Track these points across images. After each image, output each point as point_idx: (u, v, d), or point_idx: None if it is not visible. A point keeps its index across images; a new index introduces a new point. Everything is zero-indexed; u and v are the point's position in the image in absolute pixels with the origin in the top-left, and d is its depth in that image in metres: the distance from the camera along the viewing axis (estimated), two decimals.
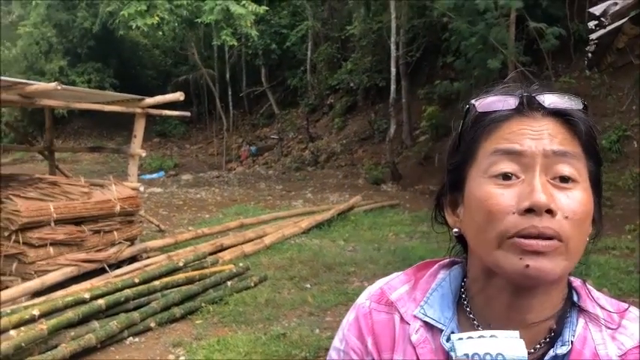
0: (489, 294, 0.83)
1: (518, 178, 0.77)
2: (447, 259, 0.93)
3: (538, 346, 0.82)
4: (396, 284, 0.92)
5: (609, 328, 0.82)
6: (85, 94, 7.95)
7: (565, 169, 0.77)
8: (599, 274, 5.94)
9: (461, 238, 0.88)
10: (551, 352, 0.80)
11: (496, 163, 0.79)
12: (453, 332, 0.83)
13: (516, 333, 0.74)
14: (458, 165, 0.85)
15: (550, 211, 0.74)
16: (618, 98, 10.95)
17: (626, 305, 0.85)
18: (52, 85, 5.77)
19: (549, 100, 0.80)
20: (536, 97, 0.81)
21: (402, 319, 0.88)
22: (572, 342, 0.80)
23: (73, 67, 22.31)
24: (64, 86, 6.06)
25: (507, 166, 0.78)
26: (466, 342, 0.73)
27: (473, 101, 0.84)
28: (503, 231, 0.76)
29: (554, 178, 0.77)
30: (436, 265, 0.93)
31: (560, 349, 0.80)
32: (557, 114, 0.80)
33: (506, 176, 0.78)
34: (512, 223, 0.75)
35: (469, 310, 0.86)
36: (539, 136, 0.78)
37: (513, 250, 0.75)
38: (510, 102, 0.81)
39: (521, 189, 0.76)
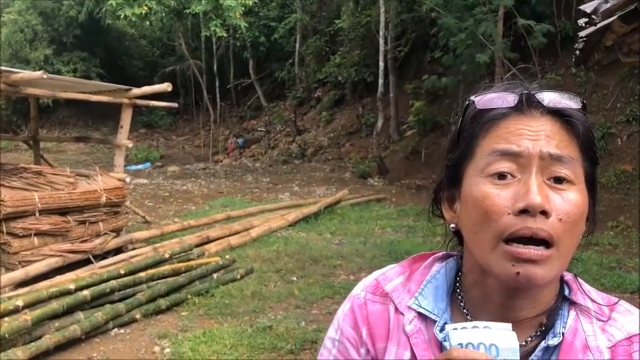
0: (483, 290, 0.84)
1: (514, 177, 0.78)
2: (442, 252, 0.94)
3: (529, 339, 0.83)
4: (391, 275, 0.93)
5: (600, 320, 0.83)
6: (71, 83, 7.87)
7: (561, 171, 0.78)
8: (582, 269, 6.00)
9: (457, 233, 0.89)
10: (542, 344, 0.82)
11: (493, 163, 0.79)
12: (446, 323, 0.85)
13: (509, 325, 0.75)
14: (456, 161, 0.85)
15: (544, 213, 0.75)
16: (603, 95, 11.05)
17: (616, 299, 0.87)
18: (38, 73, 5.70)
19: (548, 98, 0.80)
20: (536, 95, 0.81)
21: (396, 309, 0.89)
22: (563, 333, 0.82)
23: (59, 55, 22.07)
24: (50, 75, 5.99)
25: (504, 166, 0.78)
26: (460, 332, 0.74)
27: (472, 97, 0.84)
28: (498, 232, 0.76)
29: (550, 178, 0.77)
30: (431, 258, 0.94)
31: (552, 341, 0.81)
32: (556, 113, 0.80)
33: (502, 175, 0.78)
34: (507, 224, 0.76)
35: (462, 303, 0.87)
36: (537, 137, 0.78)
37: (506, 256, 0.76)
38: (509, 99, 0.81)
39: (517, 189, 0.77)
